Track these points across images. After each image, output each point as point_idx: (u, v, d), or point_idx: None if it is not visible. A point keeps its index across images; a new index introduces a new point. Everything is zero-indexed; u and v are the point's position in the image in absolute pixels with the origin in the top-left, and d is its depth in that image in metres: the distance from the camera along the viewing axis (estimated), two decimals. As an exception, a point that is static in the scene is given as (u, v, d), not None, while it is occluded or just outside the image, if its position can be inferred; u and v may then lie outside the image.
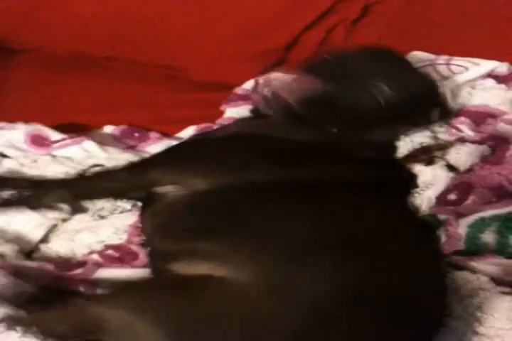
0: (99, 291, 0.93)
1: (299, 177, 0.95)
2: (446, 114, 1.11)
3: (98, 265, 0.96)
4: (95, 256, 0.98)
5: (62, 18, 1.35)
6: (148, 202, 1.03)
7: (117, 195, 1.06)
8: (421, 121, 1.10)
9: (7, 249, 0.96)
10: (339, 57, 1.08)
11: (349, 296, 0.78)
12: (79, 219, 1.05)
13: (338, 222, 0.88)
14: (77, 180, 1.08)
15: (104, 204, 1.07)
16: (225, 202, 0.94)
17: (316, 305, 0.77)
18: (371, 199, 0.94)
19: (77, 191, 1.04)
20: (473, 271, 0.88)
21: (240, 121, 1.19)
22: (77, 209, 1.06)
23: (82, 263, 0.96)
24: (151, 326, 0.76)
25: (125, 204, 1.07)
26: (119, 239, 1.02)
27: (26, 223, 1.02)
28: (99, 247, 1.01)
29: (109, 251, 0.99)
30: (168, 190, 0.99)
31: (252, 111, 1.18)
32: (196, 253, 0.86)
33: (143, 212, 1.04)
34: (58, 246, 1.01)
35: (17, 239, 1.00)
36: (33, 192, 1.05)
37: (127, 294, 0.83)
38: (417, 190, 1.02)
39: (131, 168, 1.06)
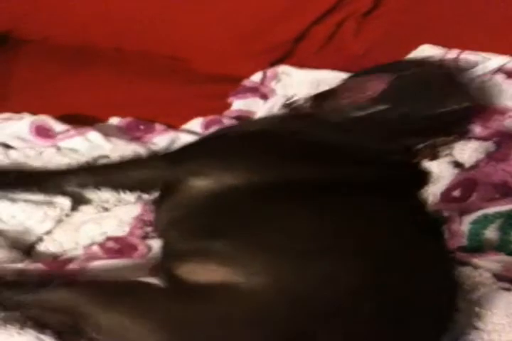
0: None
1: (326, 178, 0.94)
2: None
3: (96, 257, 0.96)
4: (95, 248, 0.98)
5: (68, 9, 1.35)
6: (166, 194, 1.01)
7: (147, 184, 1.05)
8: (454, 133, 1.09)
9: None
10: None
11: (361, 296, 0.78)
12: (83, 211, 1.05)
13: (357, 223, 0.88)
14: (104, 166, 1.07)
15: (108, 197, 1.07)
16: (249, 201, 0.92)
17: (329, 308, 0.77)
18: (386, 198, 0.93)
19: (101, 177, 1.04)
20: (475, 267, 0.88)
21: (271, 118, 1.18)
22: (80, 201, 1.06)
23: (72, 259, 0.95)
24: (152, 336, 0.75)
25: (129, 196, 1.07)
26: (123, 231, 1.02)
27: (31, 214, 1.02)
28: (101, 239, 1.01)
29: (110, 243, 0.99)
30: (197, 182, 0.97)
31: (285, 106, 1.16)
32: (210, 254, 0.84)
33: (159, 204, 1.02)
34: (62, 238, 1.02)
35: (21, 231, 1.01)
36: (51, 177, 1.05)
37: (131, 299, 0.81)
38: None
39: (169, 157, 1.05)
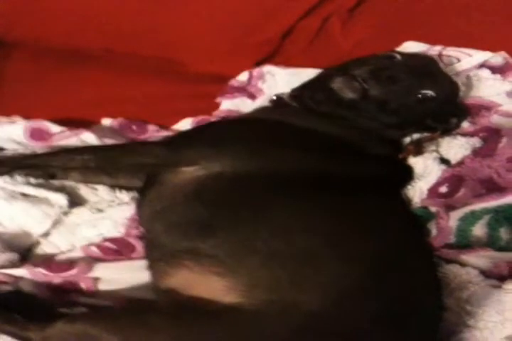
0: (101, 287, 0.96)
1: (315, 169, 0.94)
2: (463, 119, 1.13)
3: (95, 258, 0.98)
4: (93, 249, 1.00)
5: (59, 11, 1.35)
6: (150, 185, 1.00)
7: (145, 169, 1.04)
8: (438, 127, 1.10)
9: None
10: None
11: (352, 298, 0.80)
12: (77, 213, 1.06)
13: (346, 220, 0.89)
14: (109, 148, 1.08)
15: (101, 197, 1.08)
16: (237, 191, 0.91)
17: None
18: (371, 194, 0.94)
19: (104, 159, 1.04)
20: (463, 264, 0.89)
21: (262, 109, 1.18)
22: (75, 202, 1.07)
23: (74, 263, 0.97)
24: None
25: (123, 196, 1.08)
26: (118, 232, 1.03)
27: (29, 218, 1.03)
28: (98, 240, 1.02)
29: (107, 244, 1.01)
30: (185, 169, 0.96)
31: (272, 100, 1.16)
32: (202, 258, 0.84)
33: (142, 197, 1.02)
34: (58, 240, 1.03)
35: (19, 234, 1.02)
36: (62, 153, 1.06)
37: (127, 320, 0.82)
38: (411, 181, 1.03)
39: (168, 143, 1.04)
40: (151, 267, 0.93)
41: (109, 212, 1.06)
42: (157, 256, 0.91)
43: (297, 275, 0.81)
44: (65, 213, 1.05)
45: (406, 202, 1.01)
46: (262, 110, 1.16)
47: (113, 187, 1.10)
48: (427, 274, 0.88)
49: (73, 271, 0.95)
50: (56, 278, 0.95)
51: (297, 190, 0.92)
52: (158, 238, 0.93)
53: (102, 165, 1.06)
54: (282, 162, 0.94)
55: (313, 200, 0.90)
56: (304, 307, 0.77)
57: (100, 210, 1.07)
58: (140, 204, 1.02)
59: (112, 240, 1.01)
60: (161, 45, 1.37)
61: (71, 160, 1.05)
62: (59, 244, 1.03)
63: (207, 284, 0.82)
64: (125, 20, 1.34)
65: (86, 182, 1.09)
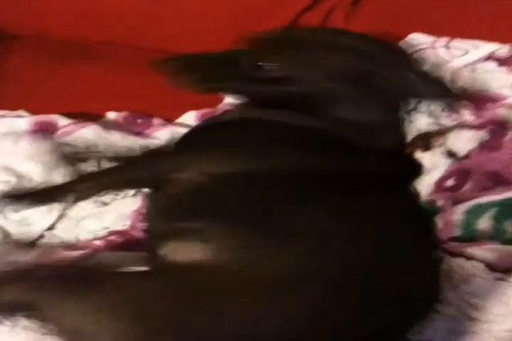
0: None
1: (300, 166, 0.95)
2: (445, 92, 1.09)
3: (100, 251, 0.98)
4: (98, 242, 1.00)
5: (60, 2, 1.34)
6: (155, 187, 1.03)
7: (143, 183, 1.06)
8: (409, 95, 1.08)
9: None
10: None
11: (332, 281, 0.80)
12: (82, 206, 1.06)
13: (332, 211, 0.89)
14: (102, 173, 1.08)
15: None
16: (227, 188, 0.93)
17: (298, 292, 0.78)
18: (371, 189, 0.94)
19: (101, 184, 1.05)
20: (469, 257, 0.89)
21: (245, 106, 1.16)
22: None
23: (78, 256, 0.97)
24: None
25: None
26: (123, 225, 1.04)
27: (34, 211, 1.03)
28: (103, 233, 1.02)
29: (112, 237, 1.01)
30: (182, 176, 0.98)
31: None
32: (190, 233, 0.87)
33: (149, 197, 1.05)
34: (63, 233, 1.03)
35: (22, 230, 1.02)
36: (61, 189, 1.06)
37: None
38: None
39: (157, 154, 1.07)
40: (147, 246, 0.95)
41: (114, 205, 1.07)
42: (151, 237, 0.95)
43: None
44: (70, 206, 1.05)
45: (414, 198, 1.00)
46: (245, 108, 1.16)
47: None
48: (421, 269, 0.87)
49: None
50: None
51: (296, 187, 0.92)
52: (155, 226, 0.96)
53: (104, 190, 1.06)
54: (280, 161, 0.95)
55: (307, 198, 0.91)
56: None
57: (105, 203, 1.07)
58: (146, 205, 1.04)
59: (117, 233, 1.01)
60: (164, 38, 1.36)
61: (75, 191, 1.05)
62: (63, 237, 1.03)
63: (189, 249, 0.84)
64: (127, 12, 1.33)
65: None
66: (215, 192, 0.94)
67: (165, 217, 0.95)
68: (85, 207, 1.06)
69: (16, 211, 1.03)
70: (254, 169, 0.94)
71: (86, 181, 1.06)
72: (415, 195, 1.01)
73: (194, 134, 1.11)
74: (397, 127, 1.08)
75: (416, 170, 1.03)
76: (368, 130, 1.03)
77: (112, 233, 1.02)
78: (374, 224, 0.88)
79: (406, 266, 0.85)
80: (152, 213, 1.00)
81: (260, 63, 1.04)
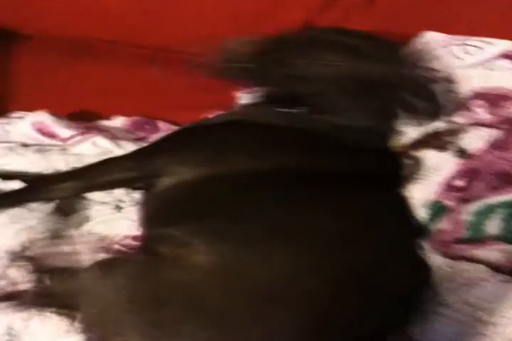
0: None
1: (283, 166, 0.94)
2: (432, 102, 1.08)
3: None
4: (114, 246, 1.02)
5: (62, 1, 1.33)
6: (145, 190, 1.05)
7: (124, 184, 1.08)
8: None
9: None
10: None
11: (331, 282, 0.80)
12: (96, 210, 1.09)
13: (306, 211, 0.89)
14: (86, 170, 1.07)
15: (121, 197, 1.10)
16: (204, 191, 0.95)
17: (267, 290, 0.79)
18: (369, 190, 0.94)
19: (88, 182, 1.05)
20: (474, 259, 0.89)
21: (239, 108, 1.18)
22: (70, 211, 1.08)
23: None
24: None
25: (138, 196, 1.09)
26: (137, 231, 1.04)
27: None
28: (117, 239, 1.04)
29: (128, 241, 1.03)
30: (163, 179, 0.99)
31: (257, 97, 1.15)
32: (166, 239, 0.89)
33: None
34: (76, 239, 1.04)
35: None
36: (41, 187, 1.06)
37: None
38: (424, 175, 1.02)
39: (137, 155, 1.06)
40: None
41: (127, 211, 1.08)
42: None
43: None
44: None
45: (404, 198, 0.99)
46: (238, 110, 1.17)
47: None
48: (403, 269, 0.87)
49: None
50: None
51: (278, 188, 0.93)
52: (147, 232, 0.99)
53: (82, 191, 1.07)
54: (260, 162, 0.95)
55: (290, 199, 0.91)
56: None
57: (120, 209, 1.09)
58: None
59: (133, 237, 1.03)
60: (166, 37, 1.34)
61: (57, 189, 1.05)
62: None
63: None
64: (129, 11, 1.32)
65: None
66: (205, 193, 0.95)
67: (153, 225, 0.98)
68: (100, 213, 1.09)
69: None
70: (245, 170, 0.94)
71: (70, 180, 1.05)
72: (404, 196, 1.00)
73: (178, 135, 1.10)
74: (391, 128, 1.07)
75: (400, 170, 1.02)
76: (365, 131, 1.04)
77: (127, 237, 1.04)
78: (373, 223, 0.88)
79: (405, 265, 0.84)
80: (145, 220, 1.02)
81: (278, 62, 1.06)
